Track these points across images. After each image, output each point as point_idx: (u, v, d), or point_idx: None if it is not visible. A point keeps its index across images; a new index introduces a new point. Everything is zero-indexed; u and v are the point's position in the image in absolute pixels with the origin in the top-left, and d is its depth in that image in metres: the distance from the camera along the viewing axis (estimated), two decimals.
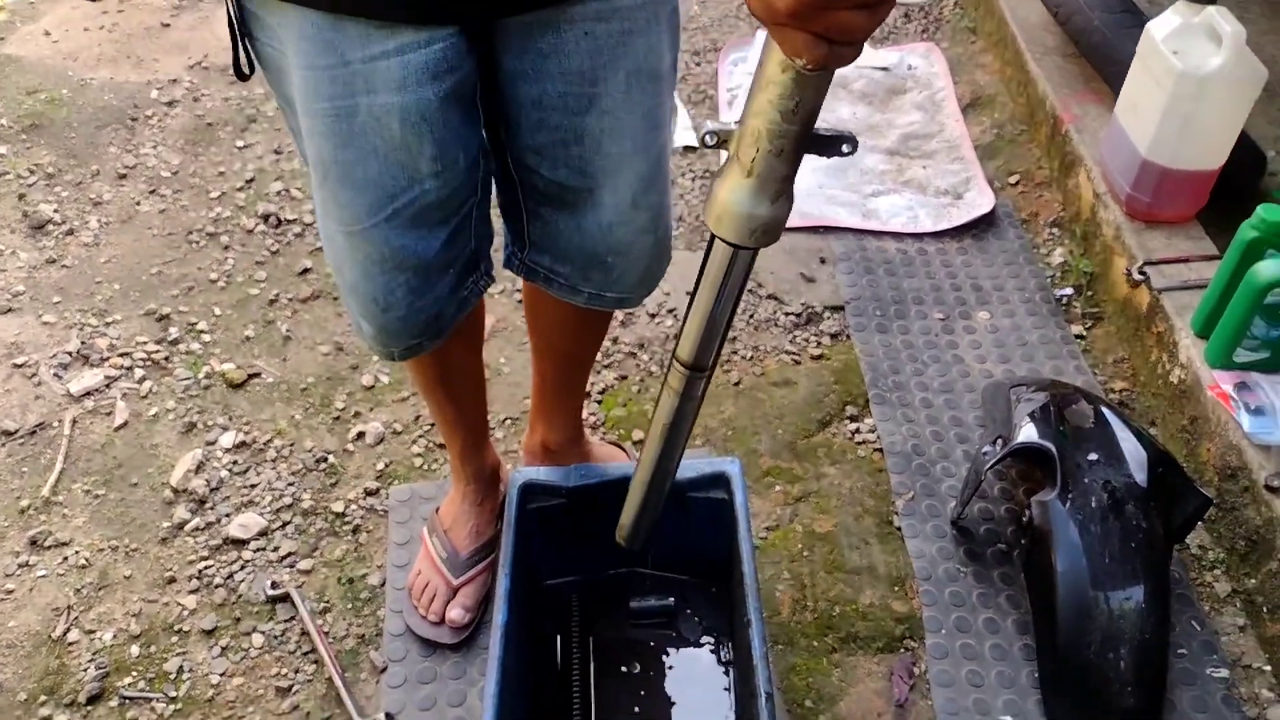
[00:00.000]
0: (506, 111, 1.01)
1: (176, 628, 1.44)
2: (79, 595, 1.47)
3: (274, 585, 1.46)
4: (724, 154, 0.77)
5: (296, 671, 1.38)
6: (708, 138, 0.73)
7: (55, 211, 2.11)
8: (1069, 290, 1.91)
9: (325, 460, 1.64)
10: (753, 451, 1.65)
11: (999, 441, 1.45)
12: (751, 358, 1.82)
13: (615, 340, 1.84)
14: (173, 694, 1.36)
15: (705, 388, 0.90)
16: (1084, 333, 1.84)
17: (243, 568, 1.50)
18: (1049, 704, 1.32)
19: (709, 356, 0.87)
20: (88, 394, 1.75)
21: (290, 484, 1.61)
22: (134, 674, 1.39)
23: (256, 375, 1.79)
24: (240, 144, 2.31)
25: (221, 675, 1.38)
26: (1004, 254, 2.01)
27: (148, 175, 2.22)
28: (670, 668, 1.32)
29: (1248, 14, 2.25)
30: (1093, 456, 1.38)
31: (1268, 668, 1.35)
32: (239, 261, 2.01)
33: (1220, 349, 1.50)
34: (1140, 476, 1.36)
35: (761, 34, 2.60)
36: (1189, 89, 1.64)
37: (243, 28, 0.95)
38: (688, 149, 2.30)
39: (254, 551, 1.52)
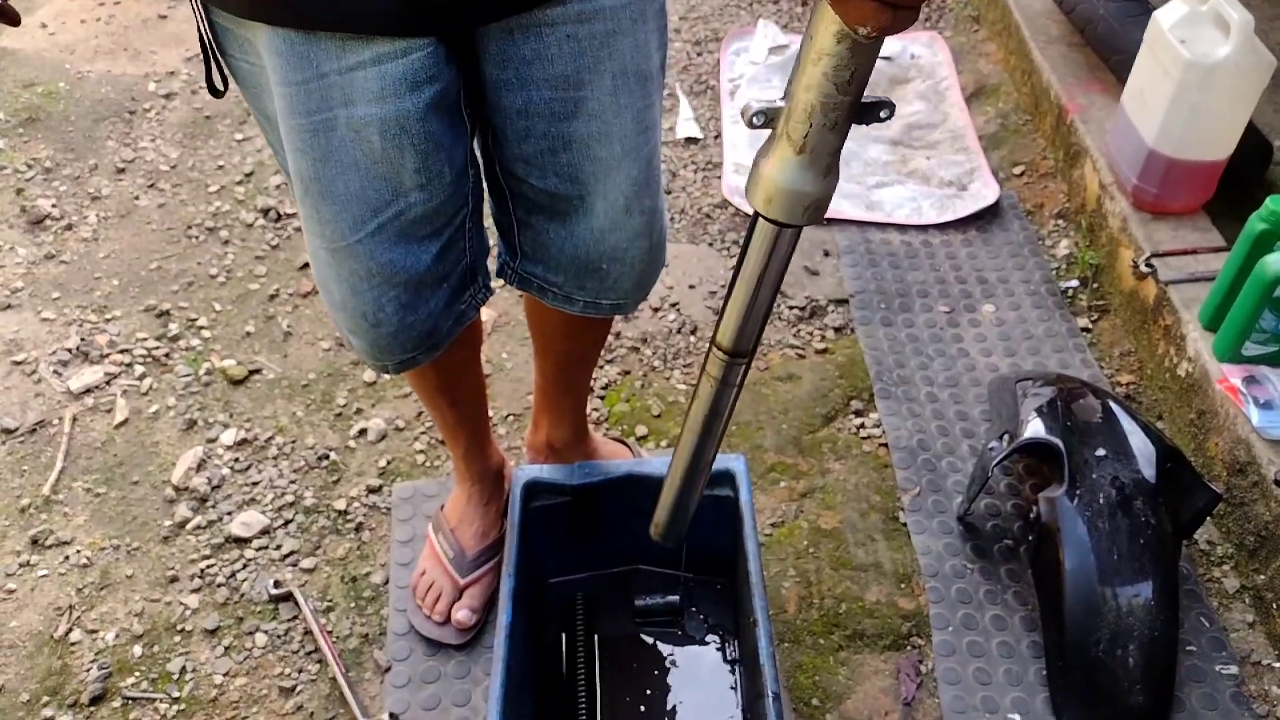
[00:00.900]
0: (493, 121, 0.99)
1: (179, 627, 1.43)
2: (81, 595, 1.47)
3: (277, 584, 1.45)
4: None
5: (300, 671, 1.38)
6: (755, 119, 0.71)
7: (53, 206, 2.09)
8: (1075, 282, 1.90)
9: (327, 457, 1.63)
10: (757, 447, 1.64)
11: (1006, 437, 1.44)
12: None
13: (618, 335, 1.83)
14: (176, 694, 1.36)
15: (745, 374, 0.89)
16: (1090, 325, 1.83)
17: (245, 566, 1.49)
18: (1057, 701, 1.31)
19: (750, 341, 0.85)
20: (88, 391, 1.74)
21: (292, 481, 1.60)
22: (137, 674, 1.38)
23: (257, 371, 1.78)
24: (239, 137, 2.29)
25: (225, 675, 1.38)
26: (1009, 246, 1.99)
27: (146, 169, 2.20)
28: (676, 666, 1.31)
29: (1251, 1, 2.23)
30: (1100, 452, 1.37)
31: (1278, 664, 1.34)
32: (239, 256, 2.00)
33: (1229, 342, 1.49)
34: (1148, 472, 1.35)
35: (763, 23, 2.58)
36: (1196, 78, 1.63)
37: (217, 44, 0.93)
38: (689, 140, 2.28)
39: (256, 550, 1.51)
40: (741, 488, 1.25)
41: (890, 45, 2.51)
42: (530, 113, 0.96)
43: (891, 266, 1.96)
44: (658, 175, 1.07)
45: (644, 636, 1.34)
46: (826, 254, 1.99)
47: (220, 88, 0.96)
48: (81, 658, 1.40)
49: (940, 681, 1.34)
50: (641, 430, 1.68)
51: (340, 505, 1.57)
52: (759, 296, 0.82)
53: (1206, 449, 1.52)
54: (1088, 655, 1.28)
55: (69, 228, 2.06)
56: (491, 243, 1.16)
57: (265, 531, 1.53)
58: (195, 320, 1.87)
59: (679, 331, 1.84)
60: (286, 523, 1.55)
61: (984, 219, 2.04)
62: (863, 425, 1.67)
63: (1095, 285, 1.88)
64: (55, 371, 1.77)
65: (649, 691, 1.28)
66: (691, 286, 1.92)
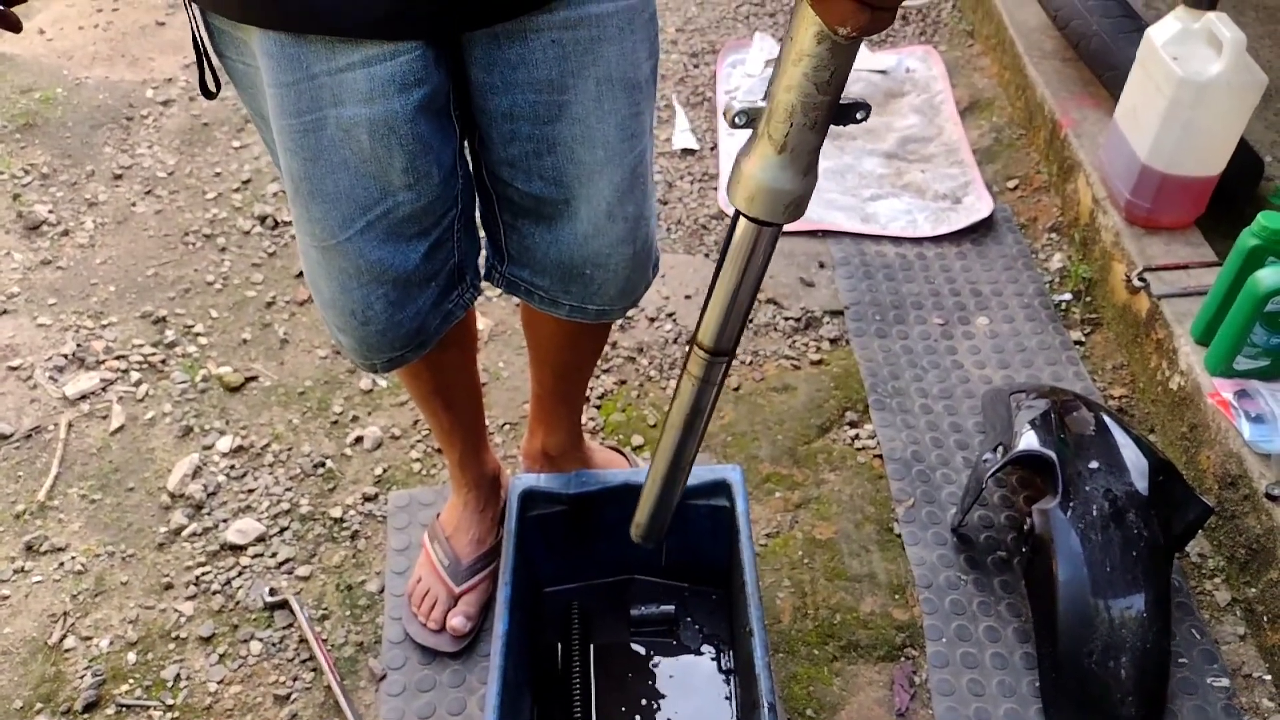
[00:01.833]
0: (479, 124, 1.01)
1: (174, 635, 1.43)
2: (75, 601, 1.46)
3: (272, 592, 1.45)
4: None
5: (295, 679, 1.38)
6: (737, 118, 0.73)
7: (50, 212, 2.09)
8: (1068, 296, 1.91)
9: (323, 465, 1.64)
10: (752, 458, 1.65)
11: (999, 449, 1.45)
12: (751, 363, 1.81)
13: (614, 345, 1.84)
14: (170, 702, 1.36)
15: (726, 373, 0.90)
16: (1083, 339, 1.84)
17: (240, 574, 1.49)
18: (1050, 713, 1.32)
19: (731, 340, 0.87)
20: (83, 397, 1.74)
21: (288, 489, 1.60)
22: (131, 681, 1.38)
23: (254, 379, 1.78)
24: (236, 144, 2.30)
25: (219, 683, 1.37)
26: (1003, 259, 2.01)
27: (143, 176, 2.20)
28: (671, 676, 1.31)
29: (1243, 18, 2.25)
30: (1094, 464, 1.38)
31: (1268, 677, 1.35)
32: (235, 263, 2.00)
33: (1220, 356, 1.50)
34: (1141, 485, 1.36)
35: (760, 35, 2.59)
36: (1189, 95, 1.64)
37: (214, 46, 0.95)
38: (686, 151, 2.29)
39: (252, 557, 1.51)
40: (738, 497, 1.26)
41: (886, 59, 2.53)
42: (515, 116, 0.97)
43: (886, 279, 1.97)
44: (644, 183, 1.07)
45: (639, 645, 1.34)
46: (822, 266, 2.00)
47: (212, 89, 0.98)
48: (75, 664, 1.40)
49: (934, 693, 1.35)
50: (637, 440, 1.68)
51: (336, 513, 1.57)
52: (739, 295, 0.83)
53: (1198, 462, 1.53)
54: (1080, 667, 1.28)
55: (66, 233, 2.06)
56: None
57: (261, 539, 1.53)
58: (192, 327, 1.87)
59: (675, 341, 1.85)
60: (282, 530, 1.55)
61: (978, 232, 2.05)
62: (857, 436, 1.68)
63: (1088, 299, 1.89)
64: (51, 377, 1.77)
65: (644, 700, 1.28)
66: (688, 297, 1.93)
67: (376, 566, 1.50)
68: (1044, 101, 2.16)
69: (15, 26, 0.92)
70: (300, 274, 1.97)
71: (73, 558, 1.51)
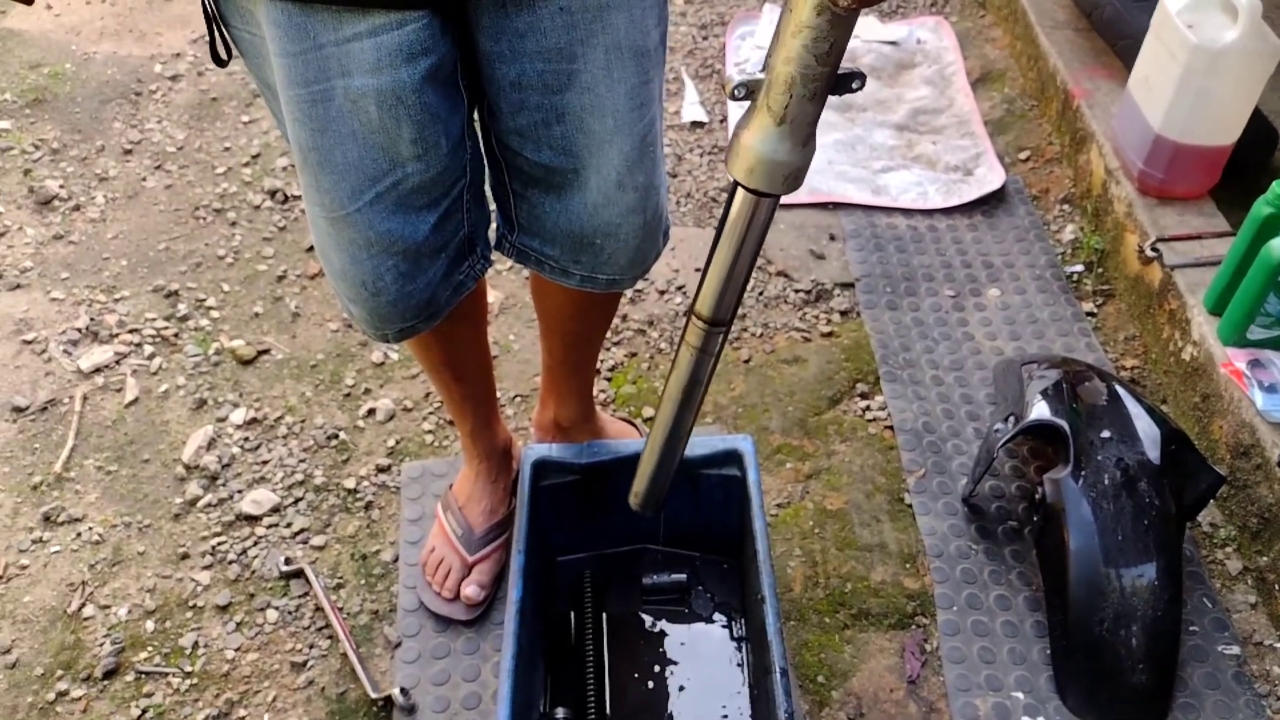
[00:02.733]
0: (487, 93, 1.00)
1: (191, 603, 1.44)
2: (93, 571, 1.48)
3: (287, 561, 1.47)
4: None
5: (311, 647, 1.39)
6: (736, 91, 0.73)
7: (61, 187, 2.10)
8: (1080, 267, 1.90)
9: (336, 437, 1.65)
10: (763, 429, 1.65)
11: (1011, 419, 1.45)
12: (761, 335, 1.81)
13: (624, 318, 1.84)
14: (188, 669, 1.37)
15: (723, 343, 0.90)
16: (1095, 310, 1.84)
17: (256, 544, 1.51)
18: (1060, 680, 1.32)
19: (729, 310, 0.87)
20: (98, 370, 1.75)
21: (302, 460, 1.61)
22: (149, 649, 1.39)
23: (266, 352, 1.79)
24: (245, 119, 2.29)
25: (236, 650, 1.39)
26: (1014, 231, 2.00)
27: (153, 151, 2.20)
28: (683, 644, 1.32)
29: None
30: (1105, 434, 1.38)
31: (1279, 645, 1.35)
32: (246, 238, 2.01)
33: (1233, 326, 1.50)
34: (1153, 454, 1.36)
35: (769, 7, 2.58)
36: (1203, 62, 1.63)
37: (220, 15, 0.95)
38: (695, 124, 2.29)
39: (267, 528, 1.52)
40: (749, 468, 1.26)
41: (896, 30, 2.51)
42: (523, 85, 0.97)
43: (897, 251, 1.97)
44: (654, 153, 1.07)
45: (651, 614, 1.35)
46: (832, 238, 2.00)
47: (224, 56, 0.98)
48: (94, 633, 1.41)
49: (945, 660, 1.36)
50: (648, 411, 1.69)
51: (350, 484, 1.58)
52: (738, 265, 0.84)
53: (1210, 432, 1.53)
54: (1091, 635, 1.29)
55: (77, 208, 2.06)
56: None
57: (276, 509, 1.54)
58: (204, 301, 1.88)
59: (685, 314, 1.85)
60: (297, 501, 1.56)
61: (989, 204, 2.05)
62: (868, 408, 1.68)
63: (1100, 270, 1.89)
64: (65, 351, 1.78)
65: (656, 668, 1.30)
66: (697, 270, 1.93)
67: (390, 536, 1.51)
68: (1056, 72, 2.14)
69: None
70: (311, 248, 1.97)
71: (90, 528, 1.53)
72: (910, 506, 1.53)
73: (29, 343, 1.79)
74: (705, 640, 1.33)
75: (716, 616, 1.35)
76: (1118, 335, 1.78)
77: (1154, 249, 1.70)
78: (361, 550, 1.50)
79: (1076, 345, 1.76)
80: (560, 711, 1.22)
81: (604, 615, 1.34)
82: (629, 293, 1.87)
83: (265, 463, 1.61)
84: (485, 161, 1.10)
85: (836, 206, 2.06)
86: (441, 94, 0.95)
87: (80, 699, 1.34)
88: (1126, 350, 1.76)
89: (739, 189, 0.79)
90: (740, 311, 1.78)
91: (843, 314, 1.84)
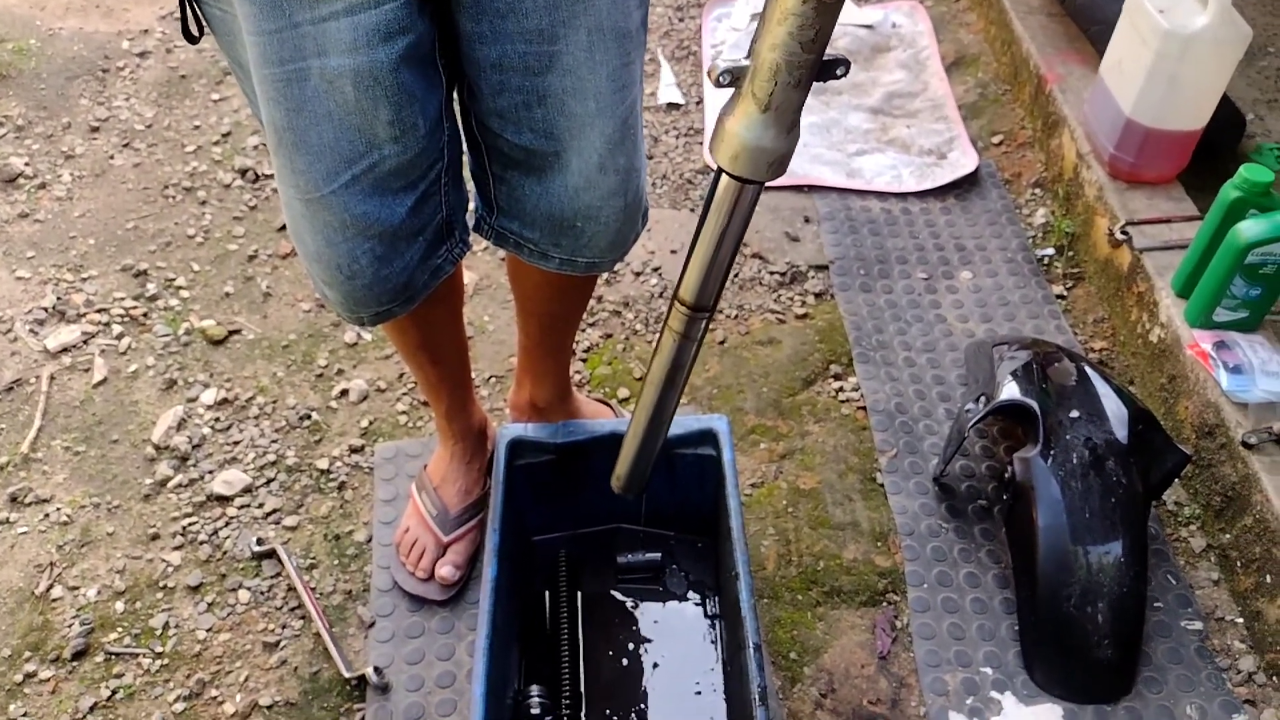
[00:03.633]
0: (468, 74, 0.99)
1: (162, 584, 1.43)
2: (61, 552, 1.46)
3: (259, 542, 1.46)
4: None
5: (284, 627, 1.38)
6: (721, 77, 0.73)
7: (26, 164, 2.06)
8: (1050, 250, 1.92)
9: (309, 417, 1.64)
10: (738, 409, 1.66)
11: (982, 399, 1.47)
12: (736, 316, 1.82)
13: (600, 299, 1.84)
14: (159, 649, 1.36)
15: (706, 328, 0.91)
16: (1065, 293, 1.86)
17: (227, 524, 1.50)
18: (1028, 655, 1.34)
19: (711, 296, 0.87)
20: (65, 350, 1.72)
21: (274, 441, 1.60)
22: (119, 629, 1.38)
23: (237, 332, 1.77)
24: (215, 97, 2.27)
25: (208, 631, 1.38)
26: (986, 214, 2.01)
27: (121, 128, 2.17)
28: (657, 622, 1.33)
29: None
30: (1074, 414, 1.39)
31: (1240, 620, 1.38)
32: (216, 217, 1.99)
33: (1200, 308, 1.52)
34: (1121, 433, 1.38)
35: None
36: (1175, 48, 1.65)
37: None
38: (671, 106, 2.28)
39: (238, 508, 1.51)
40: (724, 447, 1.27)
41: (872, 14, 2.51)
42: (504, 66, 0.96)
43: (871, 233, 1.98)
44: (635, 135, 1.07)
45: (626, 593, 1.35)
46: (807, 220, 2.00)
47: (195, 32, 0.96)
48: (63, 614, 1.40)
49: (915, 636, 1.37)
50: (623, 392, 1.69)
51: (323, 464, 1.57)
52: (721, 251, 0.84)
53: (1176, 412, 1.55)
54: (1059, 611, 1.31)
55: (43, 186, 2.03)
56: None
57: (247, 490, 1.53)
58: (173, 280, 1.86)
59: (660, 296, 1.85)
60: (268, 481, 1.55)
61: (962, 187, 2.06)
62: (842, 389, 1.69)
63: (1071, 253, 1.91)
64: (31, 330, 1.75)
65: (631, 646, 1.30)
66: (673, 251, 1.93)
67: (364, 517, 1.51)
68: (1029, 57, 2.15)
69: None
70: (282, 227, 1.96)
71: (58, 509, 1.51)
72: (882, 486, 1.55)
73: None
74: (679, 618, 1.34)
75: (690, 595, 1.36)
76: (1087, 317, 1.81)
77: (1124, 232, 1.72)
78: (335, 531, 1.49)
79: (1047, 327, 1.78)
80: (535, 690, 1.22)
81: (579, 594, 1.34)
82: (604, 274, 1.87)
83: (236, 443, 1.60)
84: (464, 143, 1.09)
85: (811, 189, 2.07)
86: (419, 74, 0.94)
87: (49, 680, 1.33)
88: (1096, 332, 1.78)
89: (723, 175, 0.78)
90: None
91: (817, 296, 1.85)
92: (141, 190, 2.04)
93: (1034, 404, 1.40)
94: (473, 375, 1.48)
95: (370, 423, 1.63)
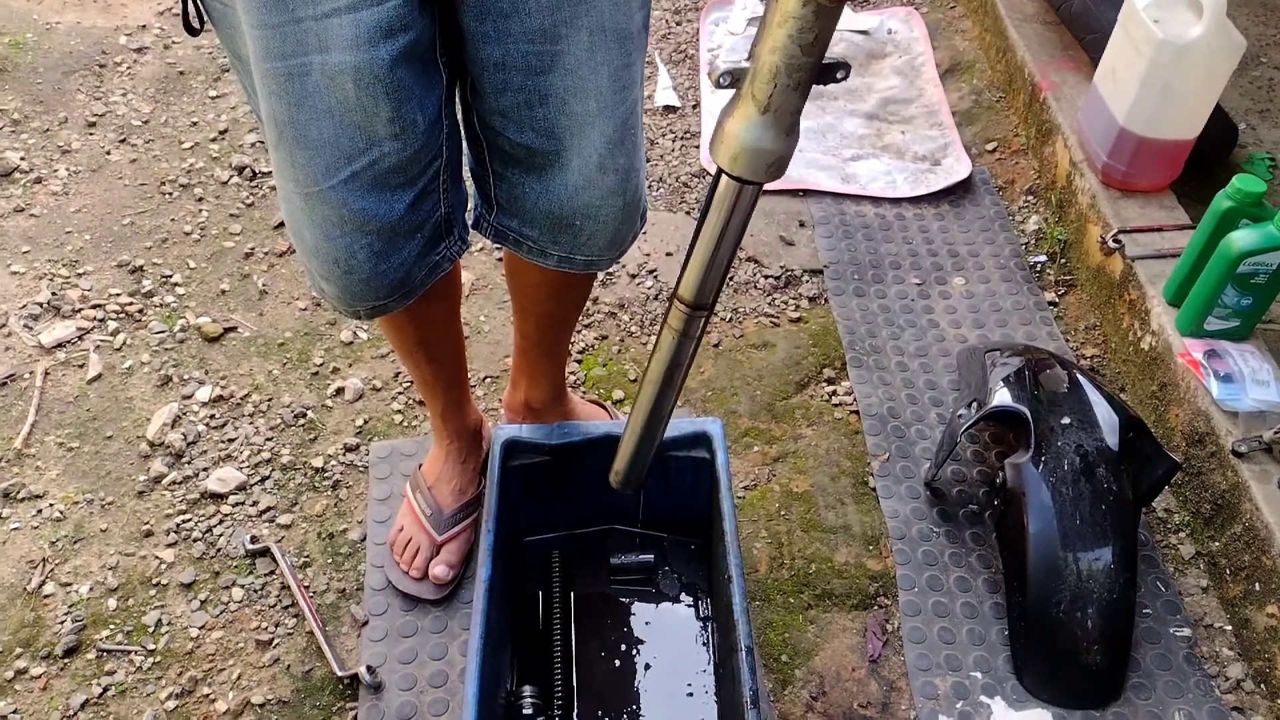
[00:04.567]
0: (470, 73, 1.00)
1: (155, 581, 1.43)
2: (54, 548, 1.46)
3: (253, 539, 1.46)
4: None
5: (277, 625, 1.39)
6: (721, 79, 0.74)
7: (22, 159, 2.06)
8: (1043, 257, 1.93)
9: (304, 416, 1.64)
10: (731, 412, 1.67)
11: (974, 405, 1.48)
12: (730, 320, 1.83)
13: (595, 300, 1.84)
14: (151, 646, 1.36)
15: (704, 327, 0.92)
16: (1057, 300, 1.87)
17: (221, 522, 1.50)
18: (1018, 660, 1.35)
19: (710, 295, 0.88)
20: (59, 345, 1.72)
21: (269, 439, 1.60)
22: (112, 626, 1.38)
23: (233, 329, 1.77)
24: (213, 94, 2.26)
25: (201, 628, 1.38)
26: (980, 220, 2.02)
27: (118, 124, 2.17)
28: (649, 623, 1.34)
29: None
30: (1066, 420, 1.40)
31: (1228, 627, 1.39)
32: (213, 214, 1.99)
33: (1191, 317, 1.53)
34: (1111, 440, 1.39)
35: None
36: (1168, 57, 1.66)
37: None
38: (668, 109, 2.29)
39: (232, 506, 1.51)
40: (718, 450, 1.27)
41: (868, 20, 2.52)
42: (507, 66, 0.97)
43: (865, 238, 1.98)
44: (635, 135, 1.08)
45: (619, 594, 1.36)
46: (802, 225, 2.01)
47: (195, 25, 0.96)
48: (55, 610, 1.40)
49: (905, 640, 1.38)
50: (618, 394, 1.69)
51: (318, 463, 1.57)
52: (720, 251, 0.85)
53: (1167, 420, 1.56)
54: (1049, 616, 1.32)
55: (38, 181, 2.03)
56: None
57: (242, 488, 1.53)
58: (169, 277, 1.86)
59: (656, 298, 1.85)
60: (263, 479, 1.55)
61: (956, 194, 2.07)
62: (835, 393, 1.70)
63: (1063, 260, 1.92)
64: (26, 325, 1.75)
65: (623, 646, 1.31)
66: (669, 254, 1.94)
67: (358, 515, 1.51)
68: (1024, 64, 2.17)
69: None
70: (279, 225, 1.96)
71: (51, 505, 1.51)
72: (874, 490, 1.56)
73: None
74: (672, 619, 1.34)
75: (683, 596, 1.36)
76: (1079, 324, 1.82)
77: (1116, 240, 1.73)
78: (329, 529, 1.49)
79: (1039, 334, 1.79)
80: (527, 689, 1.22)
81: (572, 595, 1.35)
82: (600, 276, 1.87)
83: (231, 441, 1.60)
84: (465, 140, 1.09)
85: (806, 193, 2.07)
86: (419, 71, 0.95)
87: (40, 676, 1.33)
88: (1087, 339, 1.79)
89: (722, 176, 0.79)
90: None
91: (811, 300, 1.86)
92: (138, 186, 2.03)
93: (1025, 410, 1.41)
94: (468, 375, 1.49)
95: (365, 421, 1.63)
